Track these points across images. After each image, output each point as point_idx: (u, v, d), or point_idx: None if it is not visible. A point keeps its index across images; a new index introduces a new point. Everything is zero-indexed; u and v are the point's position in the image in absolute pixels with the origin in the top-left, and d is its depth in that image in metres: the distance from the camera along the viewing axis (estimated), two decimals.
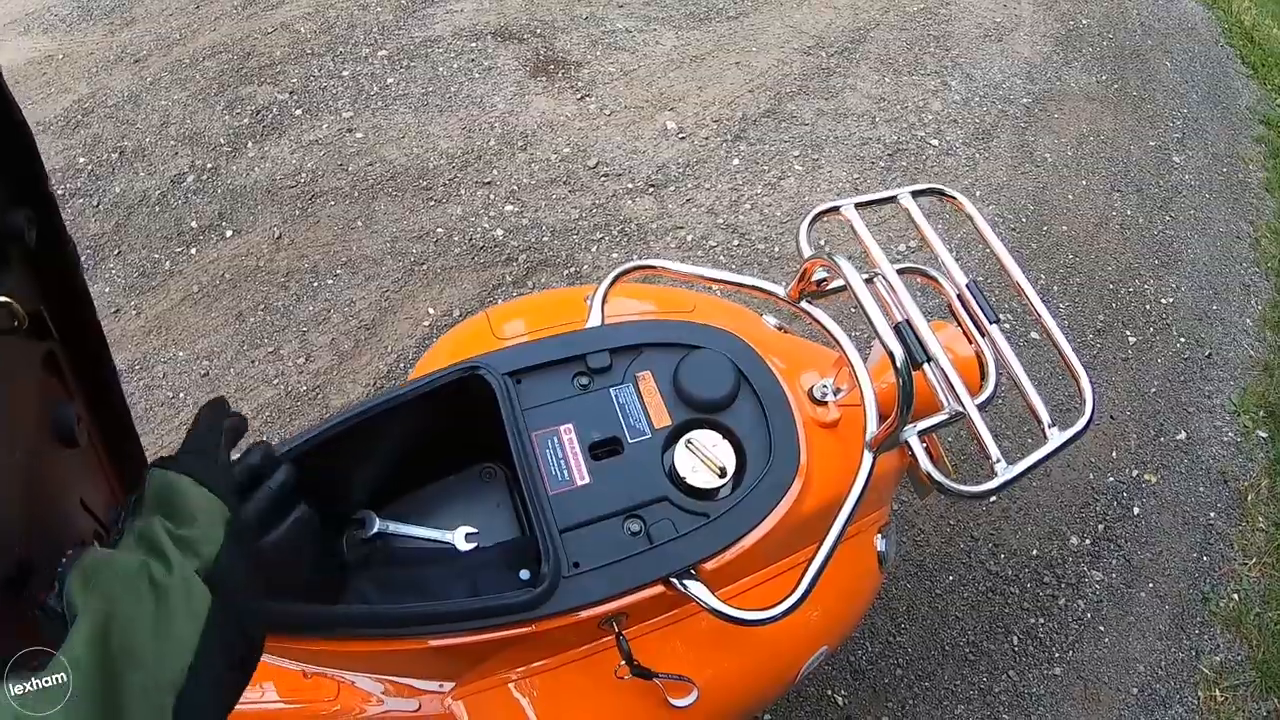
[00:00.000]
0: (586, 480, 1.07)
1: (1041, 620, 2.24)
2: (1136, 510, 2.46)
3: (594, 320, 1.26)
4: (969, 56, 3.63)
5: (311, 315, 2.52)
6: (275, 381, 2.39)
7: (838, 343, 1.16)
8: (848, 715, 2.02)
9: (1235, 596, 2.37)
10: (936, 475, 1.15)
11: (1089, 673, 2.19)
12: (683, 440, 1.10)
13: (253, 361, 2.42)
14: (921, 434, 1.13)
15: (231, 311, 2.52)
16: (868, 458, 1.10)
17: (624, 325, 1.24)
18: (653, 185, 2.92)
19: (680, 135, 3.09)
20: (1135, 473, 2.53)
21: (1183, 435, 2.64)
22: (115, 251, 2.63)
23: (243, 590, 0.65)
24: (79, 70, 3.13)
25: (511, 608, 0.95)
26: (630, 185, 2.90)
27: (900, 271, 1.23)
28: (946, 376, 1.11)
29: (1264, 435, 2.70)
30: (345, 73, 3.14)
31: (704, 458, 1.09)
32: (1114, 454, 2.55)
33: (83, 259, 2.58)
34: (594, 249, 2.70)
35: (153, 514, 0.63)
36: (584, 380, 1.15)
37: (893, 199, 1.30)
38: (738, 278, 1.28)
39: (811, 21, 3.70)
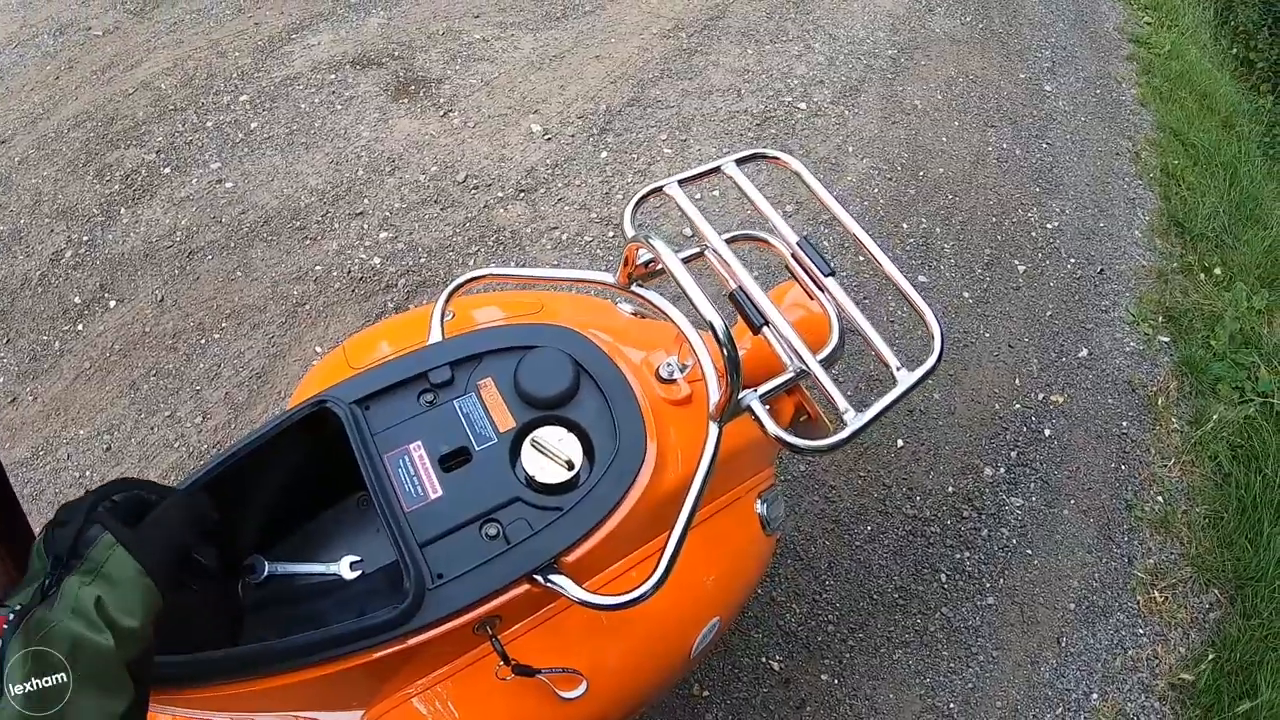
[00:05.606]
0: (439, 493, 1.06)
1: (967, 554, 2.27)
2: (1048, 432, 2.51)
3: (434, 337, 1.26)
4: (830, 17, 3.67)
5: (203, 373, 2.47)
6: (177, 444, 2.34)
7: (670, 319, 1.17)
8: (786, 679, 2.03)
9: (1160, 499, 2.43)
10: (785, 437, 1.15)
11: (1023, 596, 2.22)
12: (528, 440, 1.10)
13: (152, 429, 2.37)
14: (764, 397, 1.14)
15: (125, 382, 2.47)
16: (713, 429, 1.10)
17: (461, 337, 1.24)
18: (523, 190, 2.91)
19: (546, 137, 3.08)
20: (1041, 396, 2.58)
21: (1084, 352, 2.70)
22: (4, 339, 2.56)
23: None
24: None
25: (380, 627, 0.95)
26: (501, 194, 2.89)
27: (730, 240, 1.24)
28: (784, 337, 1.12)
29: (1166, 340, 2.77)
30: (209, 123, 3.09)
31: (550, 454, 1.09)
32: (1017, 381, 2.60)
33: None
34: (471, 262, 2.68)
35: (87, 578, 0.66)
36: (429, 396, 1.15)
37: (716, 170, 1.31)
38: (568, 273, 1.29)
39: (669, 5, 3.71)
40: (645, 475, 1.11)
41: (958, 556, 2.27)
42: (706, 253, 1.21)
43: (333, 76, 3.26)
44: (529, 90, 3.26)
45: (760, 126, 3.13)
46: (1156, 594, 2.26)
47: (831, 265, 1.24)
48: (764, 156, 1.36)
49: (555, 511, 1.06)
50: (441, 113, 3.15)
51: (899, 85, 3.41)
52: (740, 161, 1.32)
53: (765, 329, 1.12)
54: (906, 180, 3.07)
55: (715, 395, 1.11)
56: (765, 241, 1.34)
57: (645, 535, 1.22)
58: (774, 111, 3.21)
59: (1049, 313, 2.77)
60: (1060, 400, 2.58)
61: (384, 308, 2.58)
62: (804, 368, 1.12)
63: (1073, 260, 2.93)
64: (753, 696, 2.01)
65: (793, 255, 1.27)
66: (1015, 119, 3.38)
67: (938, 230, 2.92)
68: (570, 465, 1.09)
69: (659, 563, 1.03)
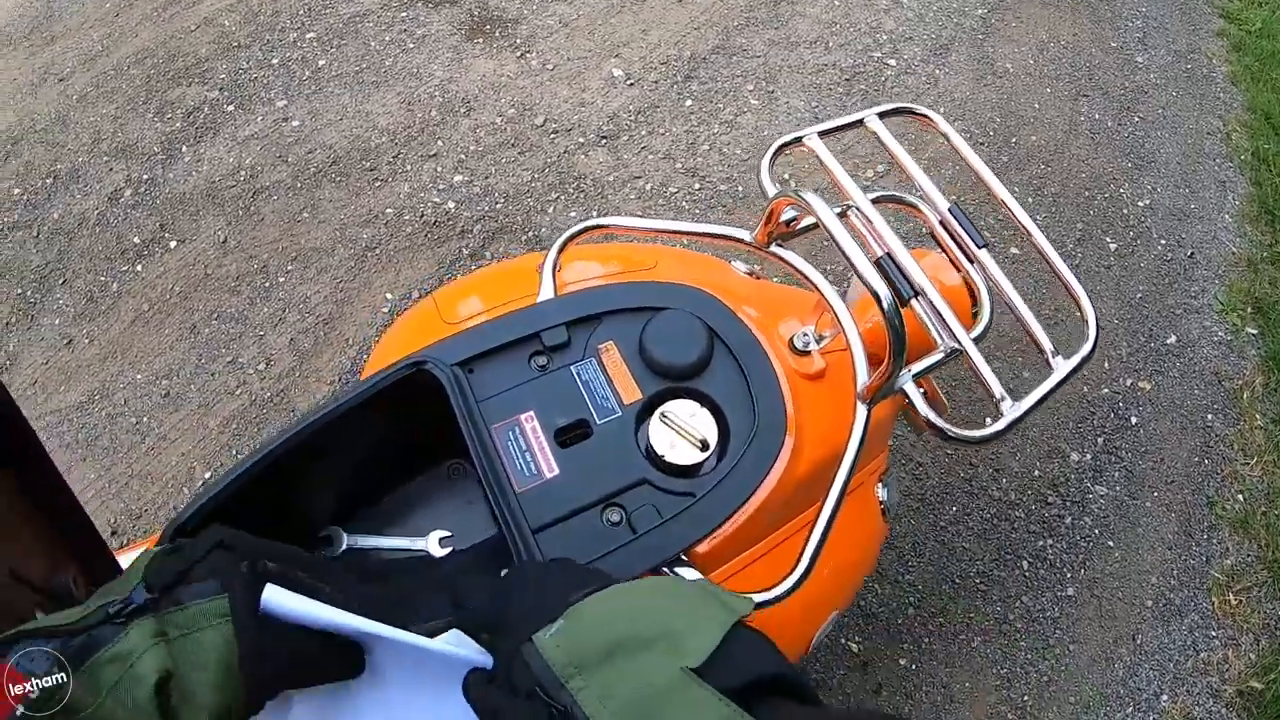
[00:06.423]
0: (556, 472, 0.95)
1: (1050, 542, 2.20)
2: (1134, 419, 2.42)
3: (545, 292, 1.13)
4: None
5: (267, 317, 2.41)
6: (238, 391, 2.29)
7: (815, 286, 1.06)
8: (864, 661, 1.97)
9: (1240, 498, 2.34)
10: (939, 423, 1.05)
11: (1102, 590, 2.15)
12: (657, 414, 0.99)
13: (213, 374, 2.32)
14: (917, 377, 1.04)
15: (185, 325, 2.41)
16: (861, 411, 1.00)
17: (579, 294, 1.12)
18: (605, 137, 2.81)
19: (629, 82, 2.98)
20: (1129, 381, 2.48)
21: (1173, 339, 2.59)
22: (61, 280, 2.51)
23: None
24: (3, 98, 2.98)
25: None
26: (581, 140, 2.80)
27: (875, 201, 1.13)
28: (938, 311, 1.02)
29: (1254, 331, 2.66)
30: (275, 61, 3.00)
31: (682, 431, 0.98)
32: (1106, 364, 2.50)
33: (29, 293, 2.48)
34: (550, 210, 2.59)
35: (168, 635, 0.51)
36: (541, 360, 1.04)
37: (859, 123, 1.20)
38: (699, 227, 1.18)
39: None
40: (784, 459, 1.00)
41: (1040, 544, 2.19)
42: (850, 213, 1.11)
43: (404, 14, 3.16)
44: (609, 33, 3.15)
45: (849, 82, 3.01)
46: (1231, 596, 2.18)
47: (984, 237, 1.14)
48: (911, 111, 1.25)
49: (688, 497, 0.96)
50: (518, 54, 3.04)
51: (989, 46, 3.27)
52: (884, 115, 1.21)
53: (915, 301, 1.02)
54: (999, 146, 2.94)
55: (863, 373, 1.01)
56: (912, 206, 1.24)
57: (774, 523, 1.10)
58: (863, 67, 3.08)
59: (1139, 295, 2.66)
60: (1147, 387, 2.48)
61: (458, 254, 2.51)
62: (956, 346, 1.03)
63: (1163, 241, 2.81)
64: (829, 676, 1.95)
65: (941, 223, 1.17)
66: (1107, 89, 3.23)
67: (1030, 201, 2.81)
68: (705, 445, 0.98)
69: (801, 557, 0.94)
